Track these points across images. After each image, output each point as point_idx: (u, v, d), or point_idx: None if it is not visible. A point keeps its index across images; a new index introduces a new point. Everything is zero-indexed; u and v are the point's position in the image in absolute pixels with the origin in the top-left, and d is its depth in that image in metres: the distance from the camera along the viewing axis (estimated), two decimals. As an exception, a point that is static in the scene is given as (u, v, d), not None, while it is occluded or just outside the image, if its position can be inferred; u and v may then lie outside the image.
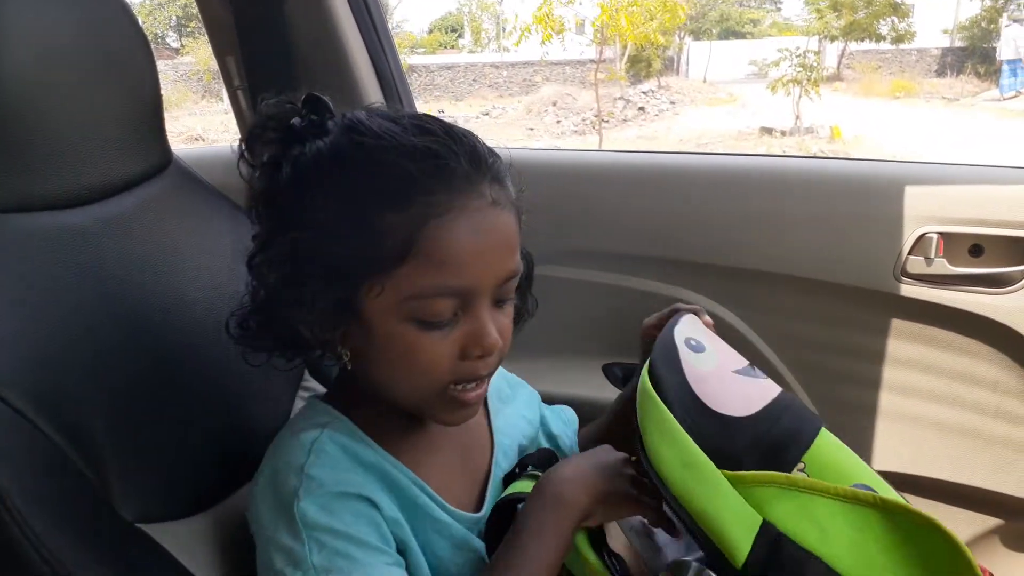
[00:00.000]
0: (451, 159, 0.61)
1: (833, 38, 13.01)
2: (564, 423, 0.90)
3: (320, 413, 0.69)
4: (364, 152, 0.61)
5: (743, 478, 0.57)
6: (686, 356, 0.65)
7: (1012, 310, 1.06)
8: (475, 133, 0.66)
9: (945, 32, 14.92)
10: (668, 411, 0.60)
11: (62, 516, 0.59)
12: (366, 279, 0.60)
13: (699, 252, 1.19)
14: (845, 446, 0.64)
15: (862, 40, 13.23)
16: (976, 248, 1.08)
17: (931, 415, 1.14)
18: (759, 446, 0.60)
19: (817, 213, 1.13)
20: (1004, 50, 11.28)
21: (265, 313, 0.64)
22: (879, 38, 13.17)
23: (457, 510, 0.69)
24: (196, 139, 8.67)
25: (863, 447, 1.18)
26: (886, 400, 1.16)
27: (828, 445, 0.62)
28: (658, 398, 0.60)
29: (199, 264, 0.82)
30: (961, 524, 1.15)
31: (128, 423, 0.69)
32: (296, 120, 0.65)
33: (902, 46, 13.56)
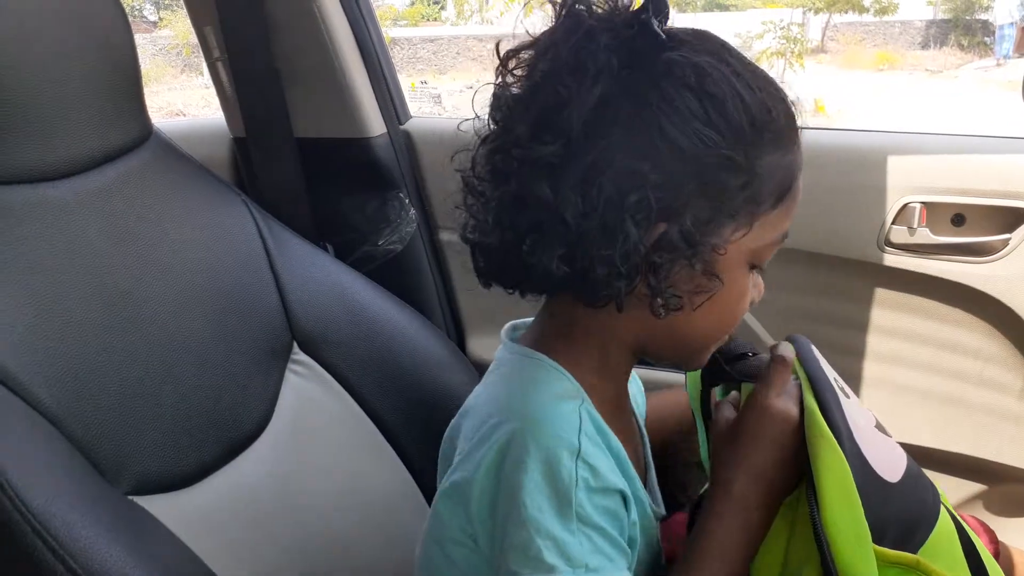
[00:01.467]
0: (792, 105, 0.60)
1: (818, 10, 12.96)
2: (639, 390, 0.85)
3: (559, 376, 0.61)
4: (746, 84, 0.56)
5: (884, 555, 0.56)
6: (845, 404, 0.62)
7: (994, 279, 1.07)
8: None
9: (929, 3, 14.90)
10: (847, 466, 0.56)
11: (54, 487, 0.59)
12: (736, 219, 0.57)
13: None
14: (955, 529, 0.64)
15: (846, 12, 13.19)
16: (958, 217, 1.08)
17: (914, 383, 1.15)
18: (901, 519, 0.59)
19: (817, 184, 1.13)
20: (999, 15, 11.42)
21: (583, 238, 0.54)
22: (863, 10, 13.13)
23: (655, 507, 0.68)
24: (177, 114, 8.53)
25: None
26: (870, 369, 1.17)
27: (945, 531, 0.62)
28: (843, 455, 0.57)
29: (182, 236, 0.81)
30: (945, 490, 1.17)
31: (117, 396, 0.69)
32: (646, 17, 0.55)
33: (886, 18, 13.54)
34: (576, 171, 0.54)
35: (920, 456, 1.16)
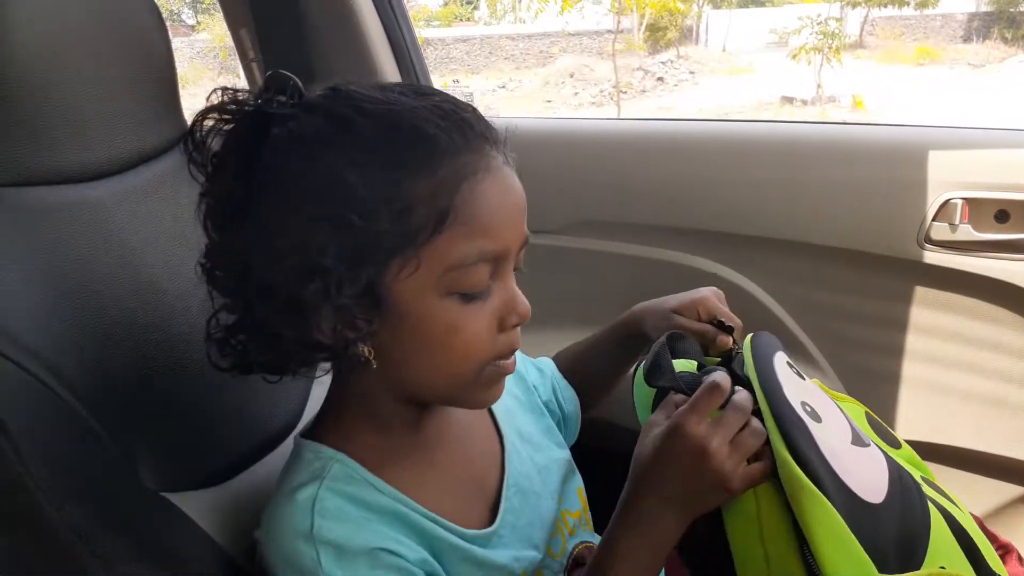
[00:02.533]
0: (464, 117, 0.57)
1: (855, 5, 12.74)
2: (537, 369, 0.89)
3: (312, 459, 0.63)
4: (373, 118, 0.55)
5: None
6: (815, 430, 0.60)
7: (1038, 276, 1.04)
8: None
9: (971, -4, 14.57)
10: (836, 513, 0.55)
11: (87, 484, 0.60)
12: (396, 257, 0.55)
13: (718, 221, 1.18)
14: (942, 517, 0.63)
15: (885, 6, 12.95)
16: (1002, 214, 1.06)
17: (955, 383, 1.13)
18: (899, 537, 0.58)
19: (838, 180, 1.11)
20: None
21: (261, 324, 0.56)
22: (902, 4, 12.88)
23: (471, 531, 0.66)
24: (214, 116, 8.65)
25: (886, 416, 1.17)
26: (909, 368, 1.15)
27: (938, 527, 0.61)
28: (823, 497, 0.55)
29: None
30: (984, 493, 1.14)
31: (151, 392, 0.70)
32: (263, 100, 0.57)
33: (926, 11, 13.27)
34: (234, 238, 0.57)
35: (959, 458, 1.15)
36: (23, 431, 0.57)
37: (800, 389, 0.65)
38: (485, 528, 0.68)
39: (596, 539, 0.78)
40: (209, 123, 0.59)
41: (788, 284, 1.18)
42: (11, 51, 0.63)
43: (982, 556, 0.64)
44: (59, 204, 0.68)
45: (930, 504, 0.63)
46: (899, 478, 0.63)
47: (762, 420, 0.62)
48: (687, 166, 1.19)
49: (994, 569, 0.64)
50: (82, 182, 0.71)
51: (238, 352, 0.59)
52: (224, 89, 0.59)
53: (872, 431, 0.75)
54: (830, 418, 0.64)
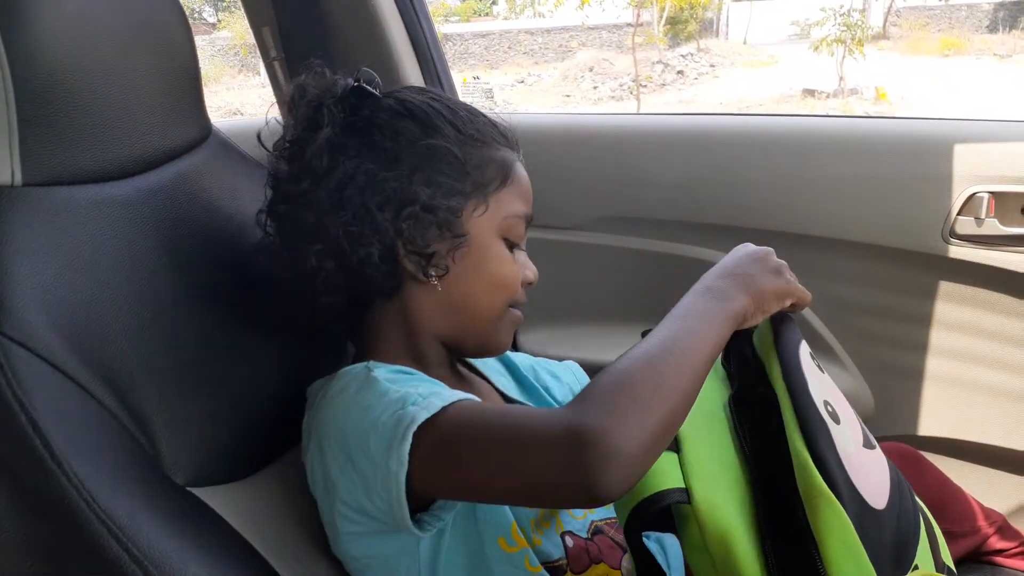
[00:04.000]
0: (504, 124, 0.79)
1: (879, -6, 12.59)
2: (552, 375, 0.92)
3: (357, 365, 0.71)
4: (458, 105, 0.76)
5: None
6: (835, 433, 0.60)
7: (1067, 271, 1.03)
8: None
9: (998, -15, 14.33)
10: (849, 521, 0.55)
11: (117, 479, 0.61)
12: (472, 199, 0.72)
13: (738, 215, 1.17)
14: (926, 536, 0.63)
15: (909, -4, 12.78)
16: (1029, 207, 1.04)
17: (981, 379, 1.12)
18: (894, 543, 0.59)
19: (861, 174, 1.10)
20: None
21: (363, 227, 0.69)
22: (927, -7, 12.71)
23: None
24: (235, 113, 8.74)
25: (910, 412, 1.16)
26: (934, 364, 1.14)
27: (923, 544, 0.62)
28: (839, 505, 0.55)
29: (242, 232, 0.83)
30: (1010, 490, 1.13)
31: (177, 387, 0.71)
32: (358, 85, 0.75)
33: (951, 1, 13.08)
34: (326, 196, 0.69)
35: (984, 454, 1.14)
36: (53, 426, 0.58)
37: (822, 386, 0.65)
38: None
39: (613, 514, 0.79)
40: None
41: (810, 279, 1.16)
42: (40, 54, 0.64)
43: (939, 547, 0.66)
44: (87, 202, 0.69)
45: (920, 518, 0.64)
46: (897, 480, 0.64)
47: (779, 411, 0.62)
48: (706, 160, 1.19)
49: (945, 561, 0.67)
50: (108, 181, 0.72)
51: (343, 260, 0.70)
52: (320, 64, 0.75)
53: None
54: (846, 418, 0.64)
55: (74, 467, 0.58)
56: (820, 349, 1.18)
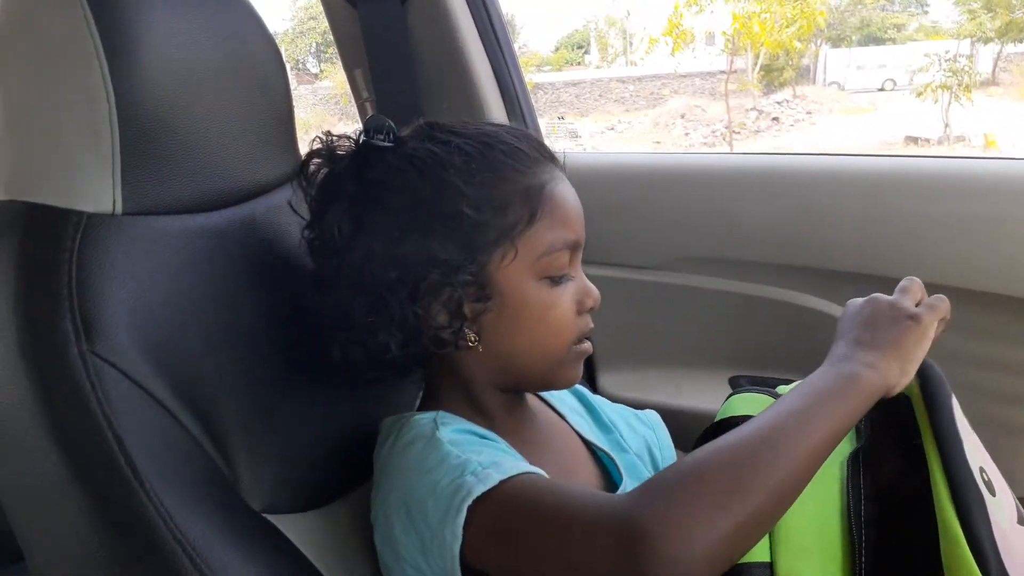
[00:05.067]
0: (534, 137, 0.72)
1: (987, 40, 12.12)
2: (628, 425, 0.86)
3: (421, 415, 0.69)
4: (467, 138, 0.68)
5: None
6: (989, 504, 0.54)
7: None
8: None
9: (1119, 28, 13.57)
10: None
11: (195, 499, 0.62)
12: (498, 248, 0.66)
13: (832, 258, 1.13)
14: None
15: (1020, 41, 12.25)
16: None
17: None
18: None
19: (968, 216, 1.04)
20: None
21: (378, 318, 0.65)
22: (1041, 38, 12.15)
23: None
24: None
25: (1016, 470, 1.07)
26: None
27: None
28: None
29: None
30: None
31: (257, 415, 0.72)
32: (367, 137, 0.69)
33: (1068, 46, 12.45)
34: (347, 277, 0.66)
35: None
36: (137, 444, 0.60)
37: (975, 449, 0.59)
38: None
39: None
40: (314, 166, 0.72)
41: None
42: (145, 89, 0.68)
43: None
44: (181, 232, 0.72)
45: None
46: None
47: (927, 474, 0.55)
48: (797, 200, 1.15)
49: None
50: (202, 212, 0.75)
51: (366, 349, 0.67)
52: (327, 133, 0.72)
53: None
54: (1001, 490, 0.58)
55: (155, 486, 0.59)
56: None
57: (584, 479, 0.76)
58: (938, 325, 0.64)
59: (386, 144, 0.68)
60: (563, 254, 0.68)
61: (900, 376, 0.60)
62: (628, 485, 0.75)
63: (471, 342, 0.67)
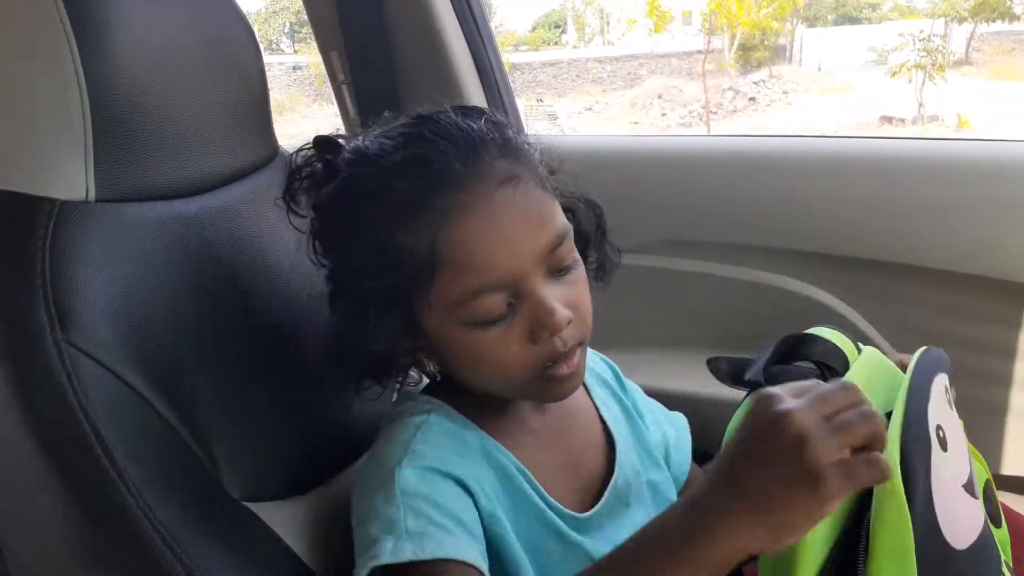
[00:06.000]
0: (438, 160, 0.59)
1: (961, 20, 12.21)
2: (655, 420, 0.84)
3: (424, 402, 0.69)
4: (364, 183, 0.62)
5: None
6: (936, 455, 0.56)
7: None
8: (484, 109, 0.67)
9: (1090, 8, 13.72)
10: (911, 532, 0.51)
11: (173, 488, 0.62)
12: (412, 298, 0.61)
13: (811, 240, 1.14)
14: None
15: (993, 20, 12.34)
16: None
17: (1072, 417, 1.05)
18: None
19: (944, 198, 1.05)
20: None
21: (346, 344, 0.66)
22: (1013, 17, 12.25)
23: (560, 505, 0.67)
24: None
25: (994, 449, 1.10)
26: (1020, 399, 1.07)
27: None
28: (907, 512, 0.51)
29: (304, 251, 0.84)
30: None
31: (237, 403, 0.71)
32: (310, 167, 0.69)
33: (1040, 25, 12.57)
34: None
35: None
36: (115, 435, 0.59)
37: (943, 414, 0.61)
38: (575, 511, 0.69)
39: None
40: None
41: (888, 308, 1.12)
42: (116, 74, 0.67)
43: None
44: (156, 219, 0.71)
45: None
46: (987, 544, 0.60)
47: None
48: (777, 183, 1.16)
49: None
50: (177, 198, 0.74)
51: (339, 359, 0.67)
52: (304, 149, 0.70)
53: (983, 502, 0.70)
54: (956, 454, 0.60)
55: (133, 475, 0.59)
56: (895, 381, 1.13)
57: (589, 469, 0.73)
58: (860, 469, 0.46)
59: (318, 172, 0.68)
60: (484, 299, 0.59)
61: (769, 544, 0.46)
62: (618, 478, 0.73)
63: (431, 369, 0.68)
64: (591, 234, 0.72)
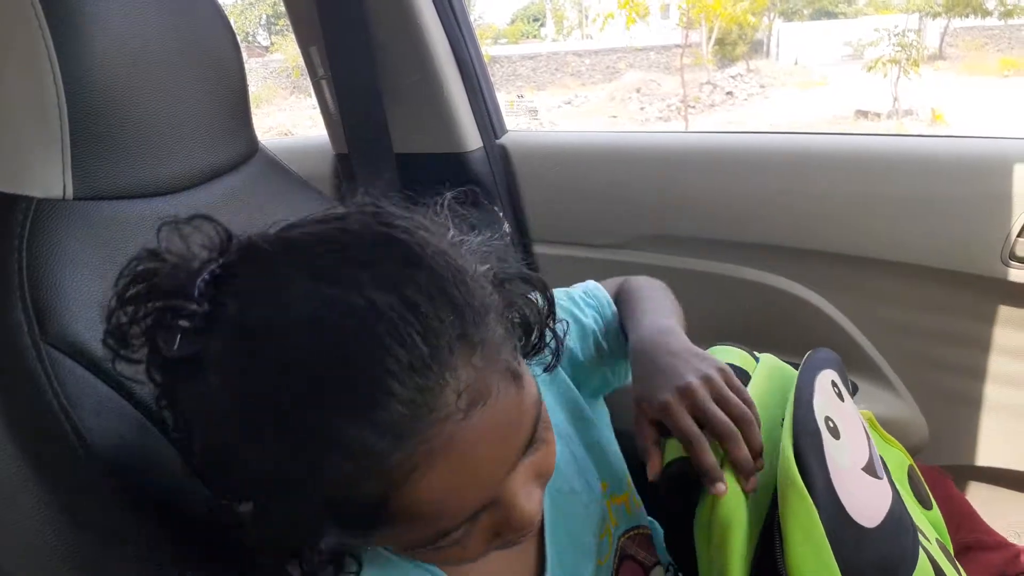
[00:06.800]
0: (384, 404, 0.40)
1: (935, 15, 12.34)
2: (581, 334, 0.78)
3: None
4: (270, 389, 0.41)
5: None
6: (828, 444, 0.60)
7: None
8: (420, 253, 0.45)
9: (1060, 4, 13.93)
10: (818, 516, 0.56)
11: (160, 493, 0.61)
12: (349, 535, 0.47)
13: (787, 235, 1.15)
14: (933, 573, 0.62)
15: (966, 16, 12.50)
16: (1094, 230, 1.00)
17: (1042, 408, 1.07)
18: (879, 565, 0.58)
19: (916, 194, 1.07)
20: None
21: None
22: (985, 13, 12.41)
23: None
24: (285, 134, 8.92)
25: (966, 441, 1.12)
26: (992, 391, 1.09)
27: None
28: (809, 498, 0.56)
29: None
30: (1076, 526, 1.08)
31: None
32: (167, 335, 0.44)
33: (1011, 21, 12.75)
34: None
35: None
36: (97, 435, 0.59)
37: (832, 406, 0.65)
38: None
39: (641, 520, 0.75)
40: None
41: (862, 302, 1.14)
42: (92, 71, 0.66)
43: None
44: (135, 217, 0.70)
45: (923, 553, 0.63)
46: (899, 517, 0.62)
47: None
48: (755, 179, 1.17)
49: None
50: (157, 196, 0.73)
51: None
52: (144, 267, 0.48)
53: (908, 486, 0.75)
54: (851, 440, 0.64)
55: (120, 481, 0.59)
56: (871, 373, 1.14)
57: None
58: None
59: (190, 350, 0.44)
60: (450, 536, 0.47)
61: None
62: None
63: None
64: (543, 320, 0.58)
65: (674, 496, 0.64)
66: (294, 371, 0.41)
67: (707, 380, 0.64)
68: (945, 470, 0.92)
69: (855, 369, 1.14)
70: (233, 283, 0.46)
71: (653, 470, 0.63)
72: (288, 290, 0.43)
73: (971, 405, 1.11)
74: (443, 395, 0.42)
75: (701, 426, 0.62)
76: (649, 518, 0.78)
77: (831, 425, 0.62)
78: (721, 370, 0.65)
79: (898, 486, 0.69)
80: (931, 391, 1.12)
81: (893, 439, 0.79)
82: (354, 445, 0.40)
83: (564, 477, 0.68)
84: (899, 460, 0.78)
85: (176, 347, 0.44)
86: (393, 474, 0.41)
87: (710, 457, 0.60)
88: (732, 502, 0.59)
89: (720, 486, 0.59)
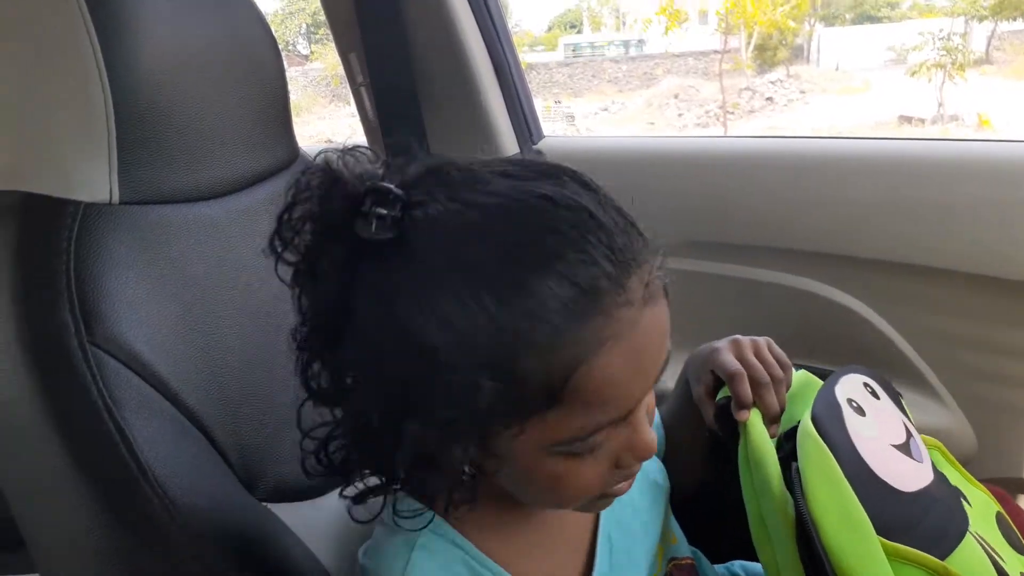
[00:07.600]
0: (594, 269, 0.46)
1: (982, 18, 12.07)
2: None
3: (414, 510, 0.59)
4: (493, 256, 0.46)
5: (899, 551, 0.54)
6: (849, 417, 0.63)
7: None
8: (590, 182, 0.51)
9: (1113, 6, 13.51)
10: (833, 458, 0.57)
11: (197, 488, 0.63)
12: (503, 421, 0.49)
13: (829, 241, 1.13)
14: (987, 558, 0.60)
15: (1014, 19, 12.20)
16: None
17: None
18: (913, 530, 0.57)
19: (960, 199, 1.04)
20: None
21: (364, 440, 0.53)
22: (1034, 16, 12.10)
23: None
24: (326, 141, 9.04)
25: (1013, 452, 1.09)
26: (1042, 403, 1.06)
27: (973, 555, 0.59)
28: (823, 444, 0.58)
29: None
30: None
31: (259, 406, 0.72)
32: (365, 222, 0.48)
33: (1062, 24, 12.40)
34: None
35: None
36: (140, 435, 0.60)
37: (858, 394, 0.67)
38: None
39: (684, 552, 0.76)
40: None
41: (906, 309, 1.11)
42: (140, 77, 0.67)
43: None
44: (179, 221, 0.72)
45: (974, 541, 0.61)
46: (943, 496, 0.63)
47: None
48: (796, 184, 1.15)
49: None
50: (199, 201, 0.74)
51: (338, 458, 0.56)
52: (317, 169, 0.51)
53: (999, 532, 0.69)
54: (880, 424, 0.65)
55: (158, 475, 0.60)
56: (916, 384, 1.12)
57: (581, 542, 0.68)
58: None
59: (382, 235, 0.48)
60: (600, 434, 0.51)
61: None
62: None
63: (467, 475, 0.54)
64: None
65: (724, 426, 0.69)
66: (507, 236, 0.46)
67: (753, 340, 0.72)
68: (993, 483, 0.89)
69: (899, 378, 1.12)
70: (426, 185, 0.50)
71: (707, 416, 0.71)
72: (489, 184, 0.49)
73: (1017, 414, 1.07)
74: (632, 279, 0.48)
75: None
76: (692, 548, 0.78)
77: (855, 405, 0.65)
78: (766, 339, 0.73)
79: (985, 529, 0.66)
80: (975, 399, 1.09)
81: (978, 482, 0.74)
82: (560, 307, 0.45)
83: (630, 493, 0.68)
84: (985, 503, 0.73)
85: (374, 230, 0.47)
86: (585, 344, 0.46)
87: (745, 388, 0.66)
88: (760, 440, 0.63)
89: (744, 412, 0.65)
